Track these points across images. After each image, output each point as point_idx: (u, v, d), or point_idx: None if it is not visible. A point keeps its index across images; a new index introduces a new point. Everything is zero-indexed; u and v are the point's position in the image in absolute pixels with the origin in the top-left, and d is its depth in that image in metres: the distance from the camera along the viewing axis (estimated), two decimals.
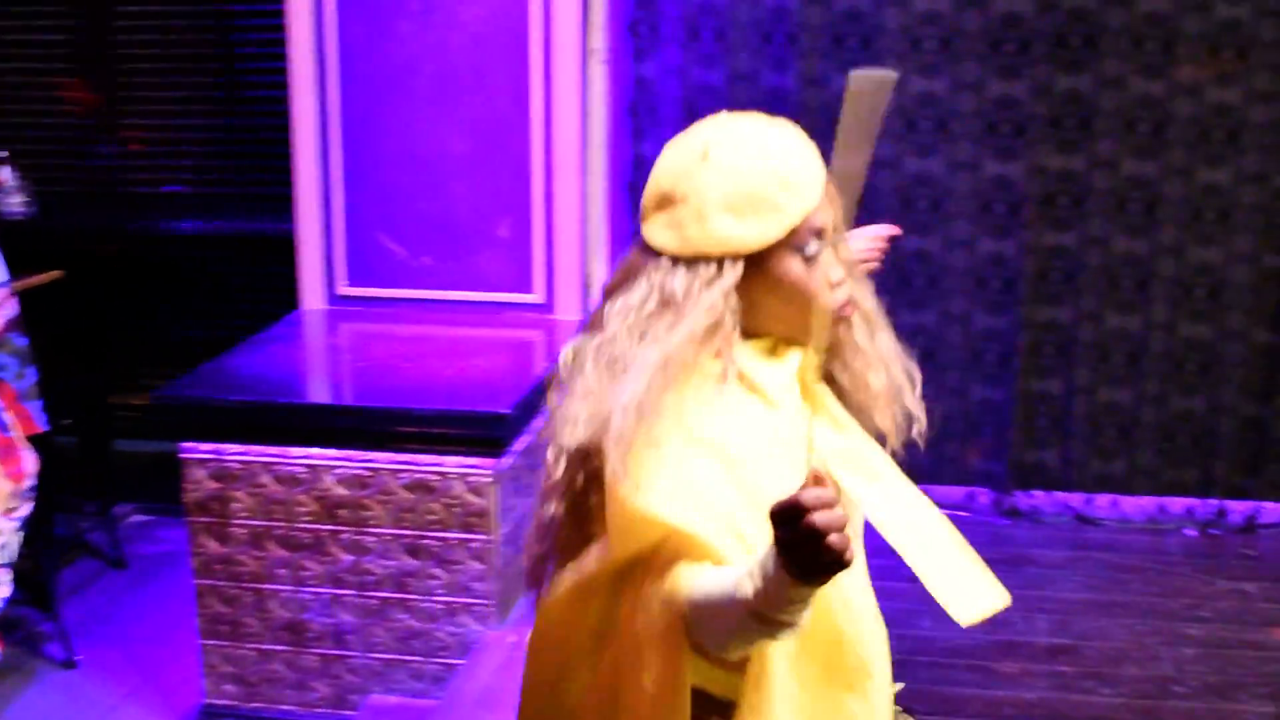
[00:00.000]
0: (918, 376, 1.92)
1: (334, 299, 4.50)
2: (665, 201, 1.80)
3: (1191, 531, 4.79)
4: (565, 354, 1.85)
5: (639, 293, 1.79)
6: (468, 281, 4.44)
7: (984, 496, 4.84)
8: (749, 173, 1.75)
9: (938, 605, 1.74)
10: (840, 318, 1.83)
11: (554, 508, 1.84)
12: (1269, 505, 4.75)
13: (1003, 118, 4.48)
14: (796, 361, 1.83)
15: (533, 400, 3.95)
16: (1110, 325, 4.67)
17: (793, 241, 1.77)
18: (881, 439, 1.87)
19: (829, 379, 1.88)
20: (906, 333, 1.93)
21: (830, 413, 1.84)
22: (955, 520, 1.85)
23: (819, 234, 1.79)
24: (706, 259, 1.76)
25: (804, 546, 1.44)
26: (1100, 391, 4.72)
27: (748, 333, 1.81)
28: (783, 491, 1.46)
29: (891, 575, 1.89)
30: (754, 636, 1.60)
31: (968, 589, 1.85)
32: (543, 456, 1.84)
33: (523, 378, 3.95)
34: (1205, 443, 4.73)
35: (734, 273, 1.76)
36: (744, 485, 1.70)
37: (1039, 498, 4.83)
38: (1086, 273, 4.62)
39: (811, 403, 1.84)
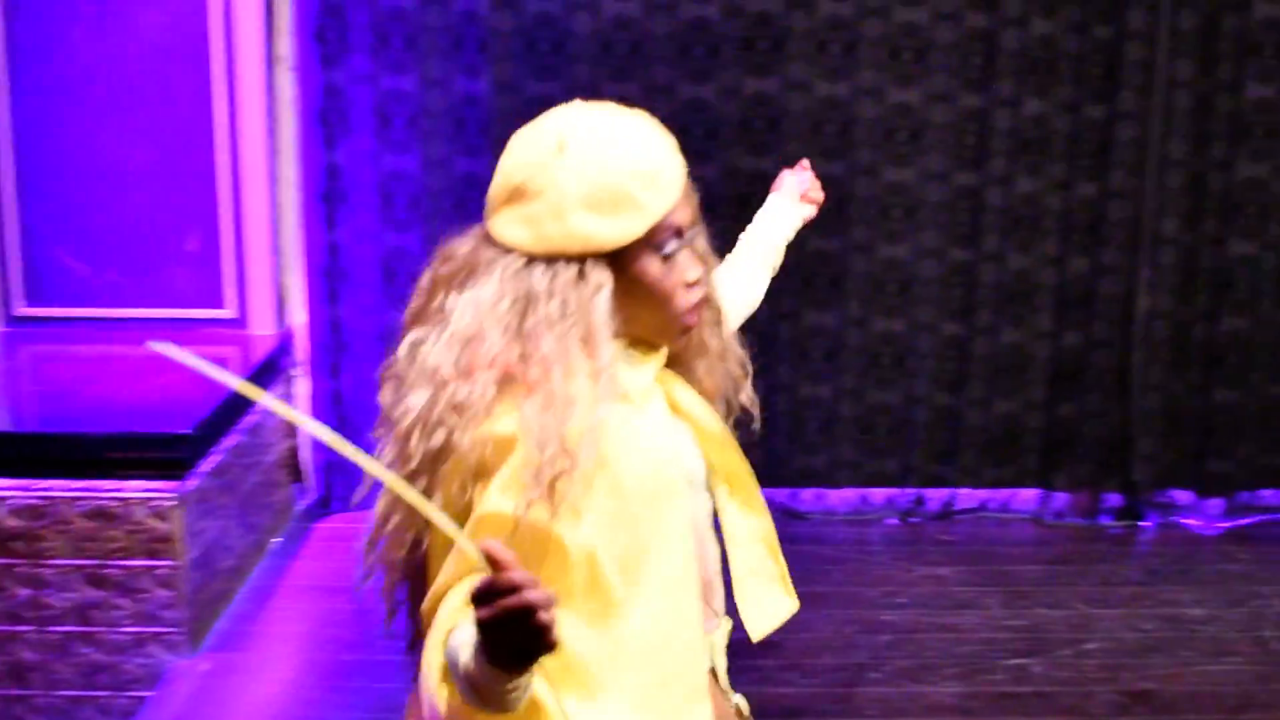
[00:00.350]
0: (749, 369, 1.91)
1: (9, 321, 4.28)
2: (517, 195, 1.70)
3: (893, 520, 4.94)
4: (402, 349, 1.72)
5: (490, 289, 1.69)
6: (156, 298, 4.29)
7: None
8: (610, 168, 1.68)
9: None
10: (691, 319, 1.77)
11: (395, 515, 1.70)
12: (964, 491, 4.93)
13: (694, 121, 4.54)
14: (655, 364, 1.77)
15: (221, 419, 3.83)
16: (808, 322, 4.78)
17: (652, 240, 1.70)
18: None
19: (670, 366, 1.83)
20: None
21: (690, 414, 1.82)
22: None
23: (678, 232, 1.73)
24: (566, 257, 1.68)
25: (493, 630, 1.39)
26: (801, 387, 4.83)
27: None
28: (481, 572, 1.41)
29: None
30: (475, 702, 1.49)
31: (763, 599, 1.86)
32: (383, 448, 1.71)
33: (210, 396, 3.83)
34: (902, 433, 4.88)
35: (603, 275, 1.68)
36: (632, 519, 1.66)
37: None
38: (781, 272, 4.70)
39: (670, 402, 1.80)
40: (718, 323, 1.87)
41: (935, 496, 4.94)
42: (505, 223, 1.71)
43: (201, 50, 4.15)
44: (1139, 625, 4.13)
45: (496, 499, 1.60)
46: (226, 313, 4.30)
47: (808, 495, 4.94)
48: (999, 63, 4.56)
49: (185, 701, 3.58)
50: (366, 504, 5.16)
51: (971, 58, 4.58)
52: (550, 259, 1.68)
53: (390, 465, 1.68)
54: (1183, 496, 4.90)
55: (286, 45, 4.26)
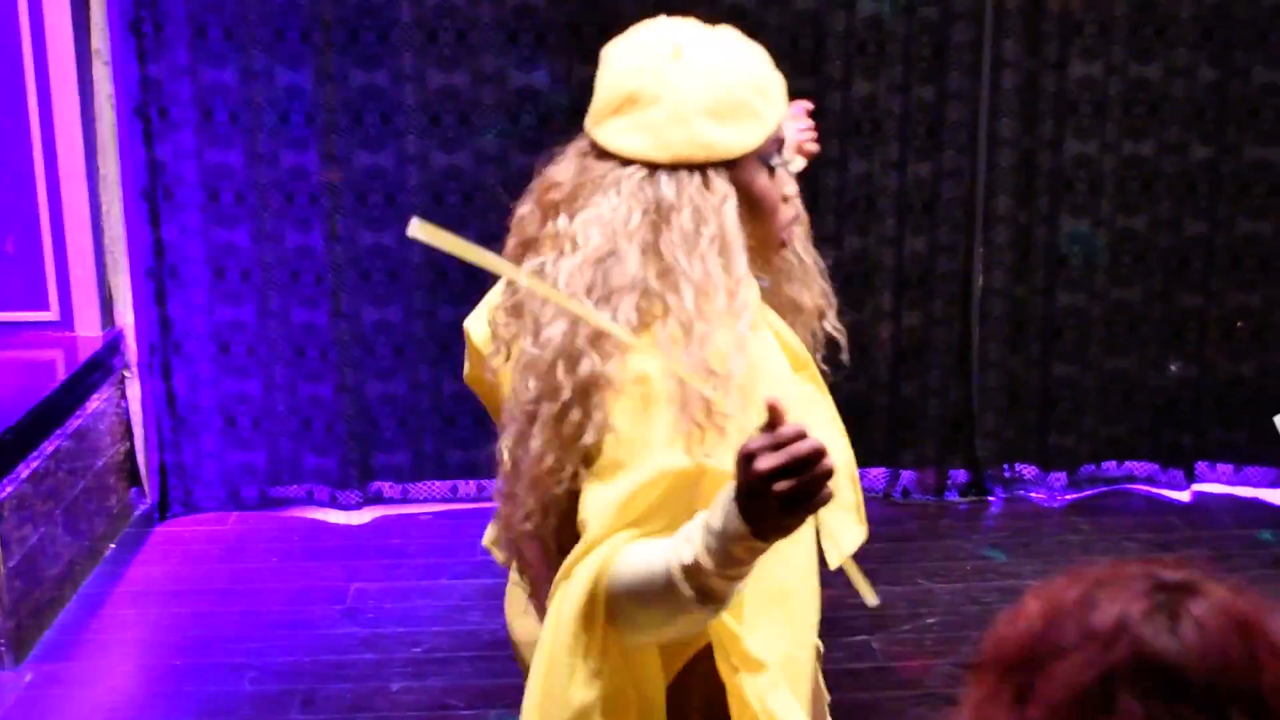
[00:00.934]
0: (834, 299, 1.89)
1: None
2: (630, 102, 1.65)
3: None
4: (527, 274, 1.63)
5: (614, 205, 1.63)
6: None
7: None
8: (730, 76, 1.65)
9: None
10: (789, 233, 1.77)
11: (544, 447, 1.61)
12: None
13: (524, 109, 4.49)
14: (757, 286, 1.73)
15: (37, 425, 3.73)
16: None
17: (762, 151, 1.69)
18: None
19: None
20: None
21: (780, 337, 1.79)
22: None
23: (780, 146, 1.72)
24: (690, 166, 1.64)
25: (759, 494, 1.37)
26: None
27: None
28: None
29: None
30: (680, 609, 1.49)
31: (841, 527, 1.80)
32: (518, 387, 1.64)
33: (25, 399, 3.72)
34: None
35: (726, 184, 1.65)
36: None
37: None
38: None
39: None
40: (806, 240, 1.87)
41: None
42: (618, 132, 1.66)
43: (12, 47, 4.03)
44: (980, 598, 4.18)
45: (663, 454, 1.55)
46: (49, 315, 4.18)
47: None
48: (829, 46, 4.58)
49: (5, 715, 3.47)
50: (208, 506, 5.05)
51: (801, 40, 4.60)
52: (673, 168, 1.64)
53: (535, 402, 1.61)
54: (1027, 470, 4.96)
55: (102, 39, 4.15)
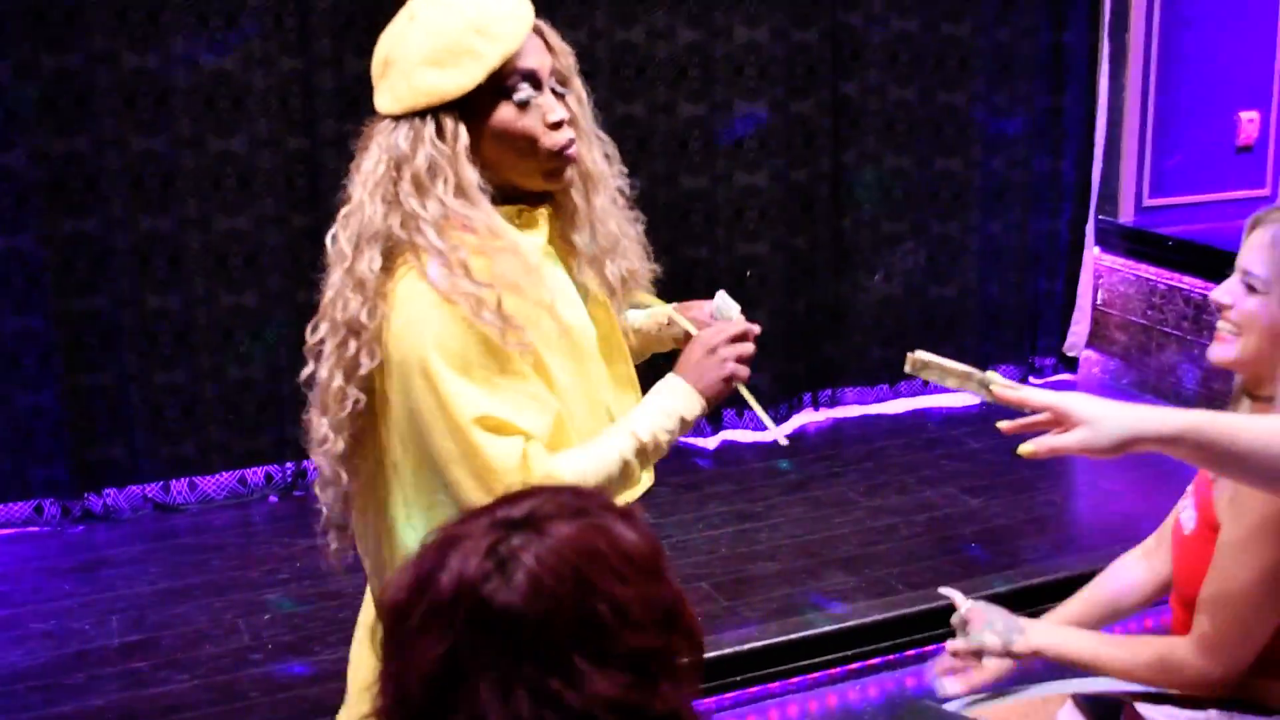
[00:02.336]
0: (640, 226, 2.13)
1: None
2: (382, 69, 1.93)
3: (274, 498, 4.80)
4: (328, 238, 1.95)
5: (370, 158, 1.91)
6: None
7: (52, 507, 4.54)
8: (447, 25, 1.87)
9: None
10: (563, 159, 1.95)
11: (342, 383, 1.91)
12: None
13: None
14: (544, 228, 2.01)
15: None
16: (152, 306, 4.52)
17: (502, 86, 1.89)
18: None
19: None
20: None
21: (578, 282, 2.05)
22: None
23: (529, 78, 1.91)
24: (419, 114, 1.88)
25: (720, 370, 2.00)
26: (155, 374, 4.57)
27: (497, 199, 1.93)
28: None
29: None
30: (627, 485, 1.95)
31: None
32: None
33: None
34: (272, 409, 4.73)
35: (457, 125, 1.88)
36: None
37: (112, 495, 4.60)
38: (121, 257, 4.45)
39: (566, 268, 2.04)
40: (585, 188, 2.02)
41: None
42: (378, 96, 1.94)
43: None
44: None
45: (460, 389, 1.84)
46: None
47: (180, 485, 4.70)
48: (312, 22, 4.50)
49: None
50: None
51: (285, 19, 4.49)
52: (408, 118, 1.88)
53: (326, 339, 1.93)
54: None
55: None
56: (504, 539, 1.09)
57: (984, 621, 2.28)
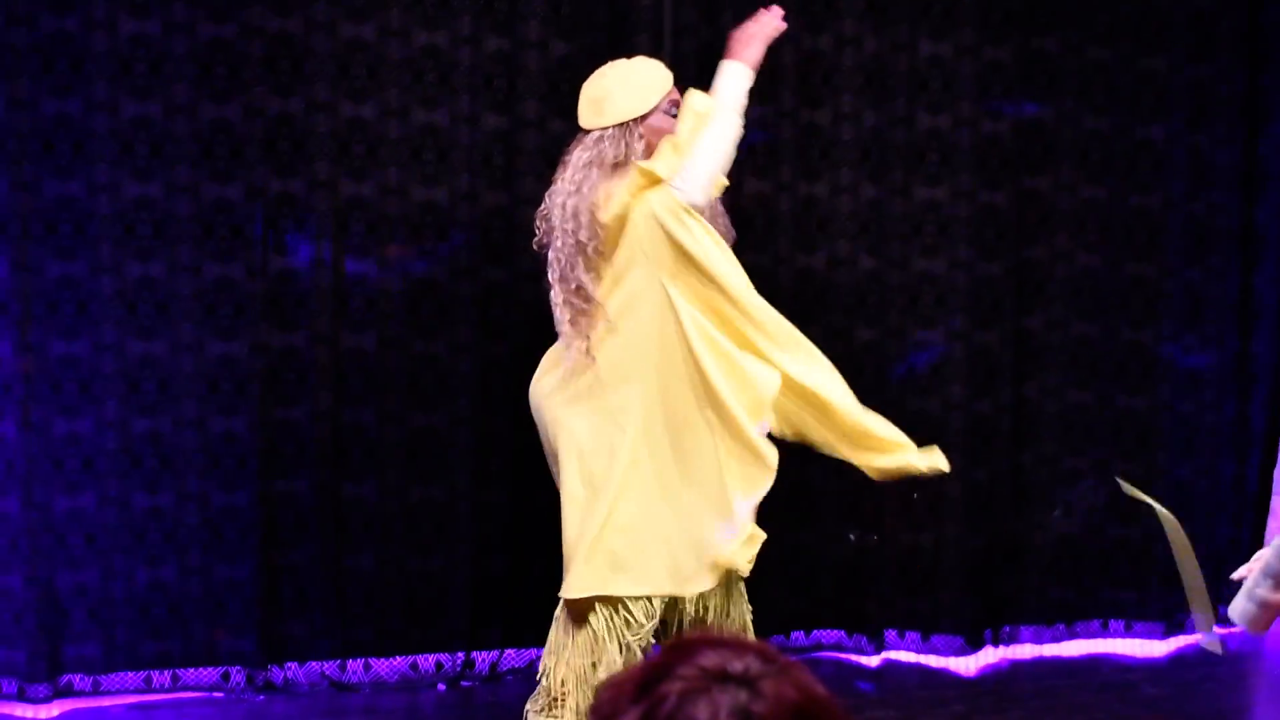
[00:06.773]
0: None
1: None
2: (594, 102, 3.91)
3: (442, 686, 4.93)
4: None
5: (581, 157, 3.89)
6: None
7: (238, 675, 4.77)
8: (628, 76, 3.95)
9: None
10: None
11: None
12: (511, 651, 4.97)
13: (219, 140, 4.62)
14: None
15: None
16: (346, 494, 4.80)
17: (659, 108, 3.88)
18: None
19: None
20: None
21: None
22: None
23: (669, 104, 3.90)
24: (619, 125, 3.86)
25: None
26: (344, 559, 4.81)
27: None
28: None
29: None
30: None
31: None
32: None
33: None
34: (444, 600, 4.92)
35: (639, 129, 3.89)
36: None
37: (292, 669, 4.81)
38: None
39: None
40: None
41: (484, 658, 4.98)
42: (588, 118, 3.92)
43: None
44: None
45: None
46: None
47: (356, 665, 4.89)
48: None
49: None
50: None
51: (496, 80, 4.81)
52: (612, 128, 3.86)
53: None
54: None
55: None
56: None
57: None
